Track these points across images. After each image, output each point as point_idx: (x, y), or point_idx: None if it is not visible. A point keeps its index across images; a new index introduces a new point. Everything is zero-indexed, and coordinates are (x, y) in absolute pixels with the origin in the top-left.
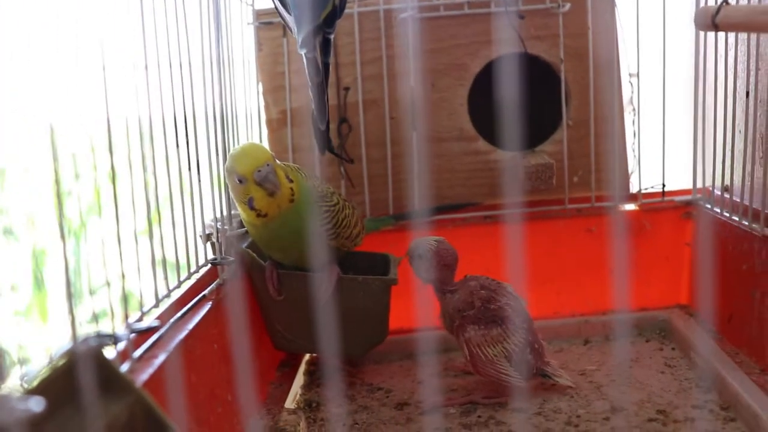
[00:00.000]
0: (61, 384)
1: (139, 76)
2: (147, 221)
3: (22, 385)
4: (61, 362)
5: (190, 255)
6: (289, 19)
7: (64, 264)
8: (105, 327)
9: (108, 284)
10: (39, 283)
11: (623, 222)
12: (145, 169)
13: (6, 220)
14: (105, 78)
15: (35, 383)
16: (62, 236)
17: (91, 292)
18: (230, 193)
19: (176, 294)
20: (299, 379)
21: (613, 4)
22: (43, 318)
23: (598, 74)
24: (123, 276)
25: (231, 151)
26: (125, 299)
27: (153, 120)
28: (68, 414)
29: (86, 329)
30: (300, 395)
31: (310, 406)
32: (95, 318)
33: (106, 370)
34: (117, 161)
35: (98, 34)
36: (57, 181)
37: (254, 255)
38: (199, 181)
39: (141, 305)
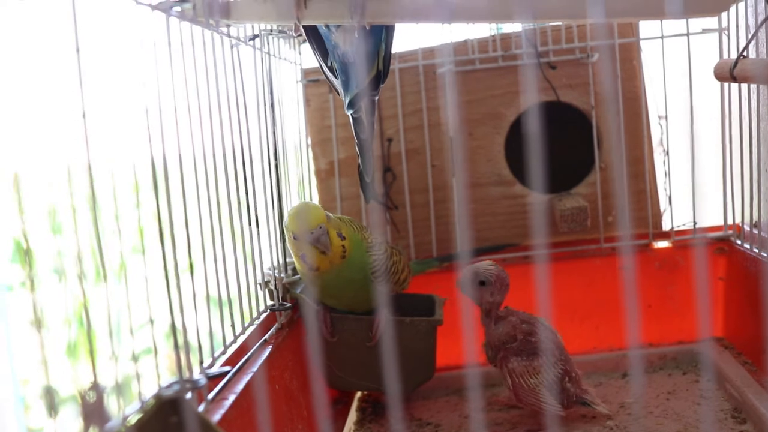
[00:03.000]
0: (152, 425)
1: (204, 135)
2: (215, 273)
3: (123, 427)
4: (150, 404)
5: (251, 302)
6: (336, 83)
7: (171, 307)
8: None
9: (174, 333)
10: (85, 322)
11: (632, 261)
12: (212, 225)
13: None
14: (177, 129)
15: (131, 425)
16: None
17: (178, 345)
18: (288, 244)
19: (241, 340)
20: (352, 416)
21: (638, 51)
22: (90, 356)
23: (627, 119)
24: (198, 330)
25: (289, 209)
26: (200, 348)
27: (218, 176)
28: None
29: (163, 375)
30: (353, 431)
31: None
32: (178, 364)
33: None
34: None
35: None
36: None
37: (309, 300)
38: (258, 233)
39: (212, 352)
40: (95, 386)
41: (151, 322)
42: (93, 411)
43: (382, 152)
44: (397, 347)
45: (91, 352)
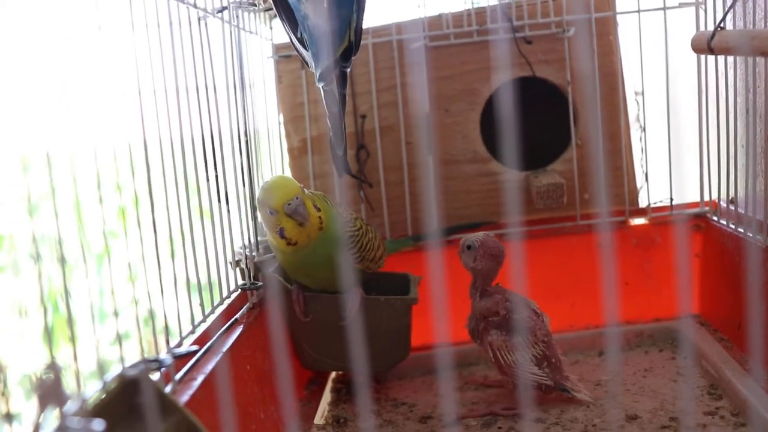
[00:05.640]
0: (114, 406)
1: (170, 112)
2: (183, 252)
3: (82, 408)
4: (113, 385)
5: (222, 281)
6: (306, 55)
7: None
8: (148, 352)
9: (150, 313)
10: (64, 305)
11: (610, 238)
12: (179, 203)
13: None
14: (141, 105)
15: (92, 405)
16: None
17: (145, 322)
18: (262, 222)
19: (210, 319)
20: (326, 397)
21: (615, 26)
22: (68, 341)
23: (603, 94)
24: (164, 309)
25: (262, 184)
26: (167, 328)
27: (185, 153)
28: None
29: (133, 355)
30: (328, 412)
31: (338, 422)
32: (141, 343)
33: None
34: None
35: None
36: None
37: (281, 279)
38: (228, 211)
39: (180, 332)
40: (52, 366)
41: (136, 302)
42: (50, 391)
43: (356, 129)
44: (372, 326)
45: (72, 337)
